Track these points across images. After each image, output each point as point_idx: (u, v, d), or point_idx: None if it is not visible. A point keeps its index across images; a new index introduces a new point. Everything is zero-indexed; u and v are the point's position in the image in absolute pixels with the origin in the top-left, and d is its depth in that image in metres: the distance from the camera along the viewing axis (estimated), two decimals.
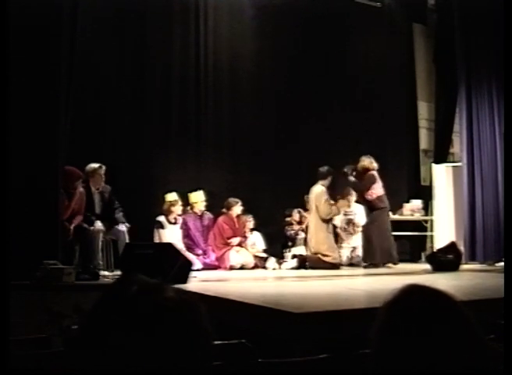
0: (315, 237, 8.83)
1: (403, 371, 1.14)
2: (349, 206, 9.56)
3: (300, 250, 9.21)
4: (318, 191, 8.88)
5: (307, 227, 9.28)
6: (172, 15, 9.52)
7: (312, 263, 8.72)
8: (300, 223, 9.48)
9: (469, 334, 1.16)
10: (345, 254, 9.53)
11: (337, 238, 9.52)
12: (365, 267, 8.83)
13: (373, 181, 8.93)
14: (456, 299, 1.22)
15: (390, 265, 8.76)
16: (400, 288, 1.23)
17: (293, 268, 8.86)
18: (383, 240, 8.82)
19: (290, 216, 9.46)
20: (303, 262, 8.84)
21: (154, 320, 0.96)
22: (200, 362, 0.98)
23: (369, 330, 1.23)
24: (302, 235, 9.38)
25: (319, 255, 8.73)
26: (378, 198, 8.92)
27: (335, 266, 8.67)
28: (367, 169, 9.03)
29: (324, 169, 8.97)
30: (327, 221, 8.90)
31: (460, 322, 1.17)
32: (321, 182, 8.93)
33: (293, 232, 9.41)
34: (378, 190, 8.96)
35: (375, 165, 9.09)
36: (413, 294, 1.22)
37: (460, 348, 1.14)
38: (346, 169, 9.25)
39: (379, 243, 8.79)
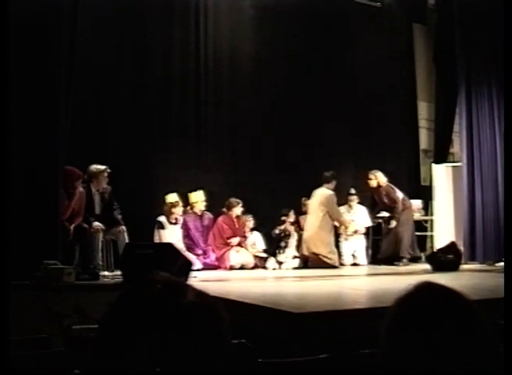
0: (317, 238, 8.87)
1: (411, 369, 1.13)
2: (350, 207, 9.74)
3: (293, 250, 9.20)
4: (326, 194, 9.01)
5: (301, 228, 9.34)
6: (172, 15, 9.51)
7: (313, 263, 8.77)
8: (293, 223, 9.43)
9: (479, 334, 1.16)
10: (347, 254, 9.52)
11: (338, 239, 9.52)
12: (396, 264, 9.01)
13: (394, 191, 9.37)
14: (469, 298, 1.21)
15: (405, 262, 9.04)
16: (413, 285, 1.23)
17: (295, 268, 8.86)
18: (409, 237, 9.33)
19: (286, 215, 9.40)
20: (305, 262, 8.88)
21: (175, 321, 0.96)
22: (216, 364, 0.98)
23: (374, 328, 1.23)
24: (295, 237, 9.30)
25: (320, 256, 8.77)
26: (401, 202, 9.38)
27: (334, 267, 8.72)
28: (379, 185, 9.42)
29: (329, 173, 9.10)
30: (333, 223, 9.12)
31: (471, 321, 1.17)
32: (326, 185, 9.06)
33: (277, 232, 9.27)
34: (398, 196, 9.41)
35: (385, 178, 9.48)
36: (426, 290, 1.22)
37: (470, 348, 1.13)
38: (353, 191, 9.74)
39: (407, 240, 9.27)
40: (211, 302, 1.02)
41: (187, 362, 0.95)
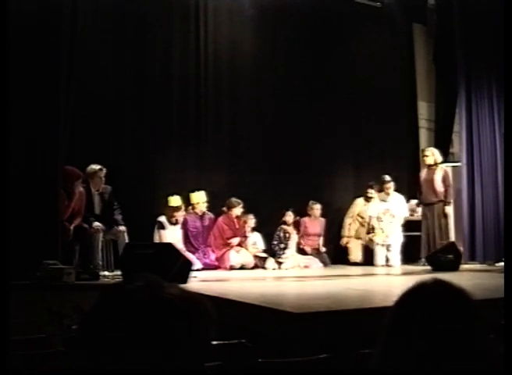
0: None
1: (412, 369, 1.13)
2: (387, 194, 9.41)
3: (292, 251, 9.19)
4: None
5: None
6: (172, 15, 9.50)
7: None
8: (293, 224, 9.40)
9: (481, 334, 1.15)
10: (380, 253, 9.20)
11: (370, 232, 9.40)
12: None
13: None
14: (473, 298, 1.21)
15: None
16: (424, 280, 1.23)
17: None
18: None
19: (283, 216, 9.33)
20: None
21: (154, 318, 0.96)
22: (197, 362, 0.98)
23: (375, 327, 1.22)
24: (295, 238, 9.26)
25: None
26: None
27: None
28: (435, 162, 9.24)
29: (371, 182, 9.67)
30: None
31: (474, 320, 1.16)
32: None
33: (275, 242, 9.17)
34: None
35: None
36: (435, 286, 1.21)
37: (470, 347, 1.13)
38: (388, 178, 9.46)
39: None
40: (192, 298, 1.01)
41: (166, 360, 0.95)
